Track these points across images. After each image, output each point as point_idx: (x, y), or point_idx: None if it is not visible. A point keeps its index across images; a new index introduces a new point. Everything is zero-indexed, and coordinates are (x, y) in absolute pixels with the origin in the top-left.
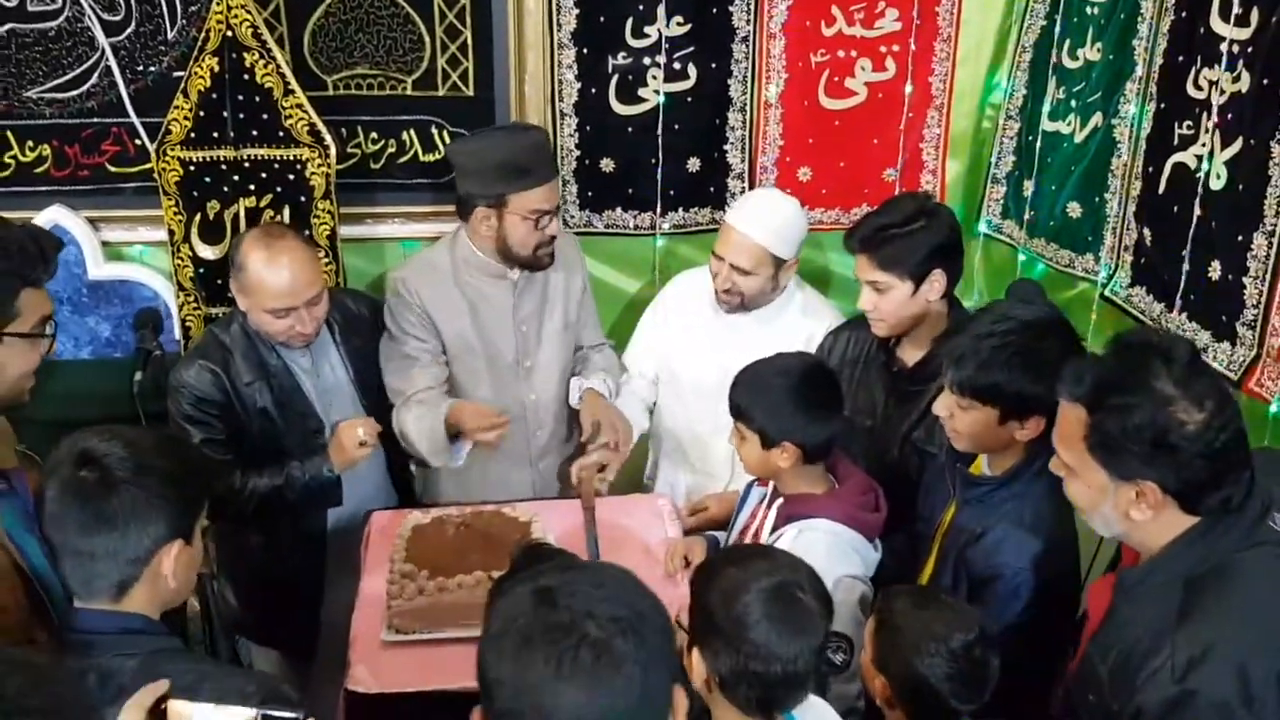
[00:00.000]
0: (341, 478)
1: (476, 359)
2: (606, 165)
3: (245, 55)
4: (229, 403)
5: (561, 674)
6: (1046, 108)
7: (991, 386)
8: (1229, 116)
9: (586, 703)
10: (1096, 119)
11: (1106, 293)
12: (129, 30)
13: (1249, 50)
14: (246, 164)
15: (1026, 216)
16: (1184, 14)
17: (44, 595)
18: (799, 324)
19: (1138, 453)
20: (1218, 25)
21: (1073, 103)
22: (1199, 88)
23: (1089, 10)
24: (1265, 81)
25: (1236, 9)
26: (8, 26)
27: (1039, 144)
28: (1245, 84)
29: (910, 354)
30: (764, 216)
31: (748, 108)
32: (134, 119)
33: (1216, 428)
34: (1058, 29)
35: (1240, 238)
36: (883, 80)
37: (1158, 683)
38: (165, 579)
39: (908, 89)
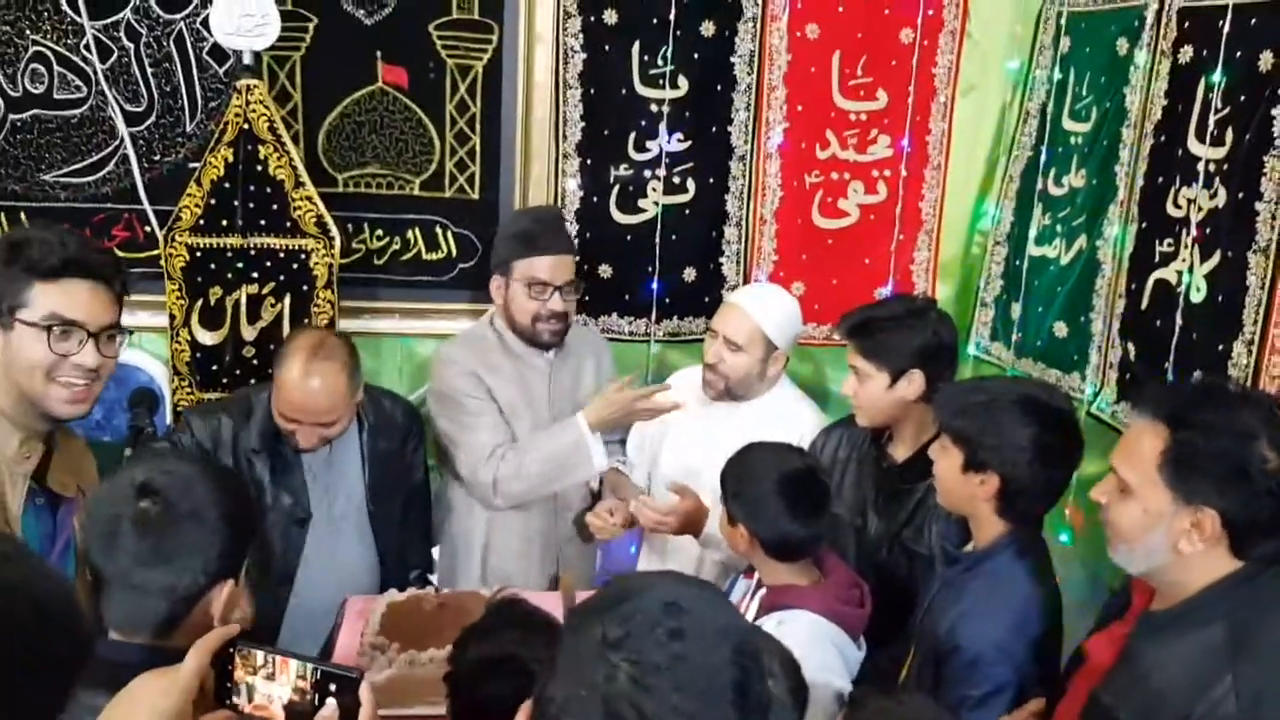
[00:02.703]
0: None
1: (524, 427)
2: (605, 271)
3: (260, 148)
4: (221, 457)
5: None
6: (1033, 233)
7: (959, 426)
8: (1207, 231)
9: None
10: (1081, 242)
11: (1092, 410)
12: (149, 121)
13: (1224, 168)
14: (252, 252)
15: (1014, 338)
16: (1163, 138)
17: None
18: (784, 420)
19: (1213, 477)
20: (1195, 146)
21: (1058, 227)
22: (1178, 206)
23: (1073, 140)
24: (1241, 195)
25: (1212, 129)
26: (32, 112)
27: (1025, 268)
28: (1221, 199)
29: (900, 451)
30: (762, 299)
31: (743, 222)
32: (146, 206)
33: None
34: (1043, 158)
35: (1221, 347)
36: (875, 203)
37: (1221, 714)
38: (211, 619)
39: (899, 212)
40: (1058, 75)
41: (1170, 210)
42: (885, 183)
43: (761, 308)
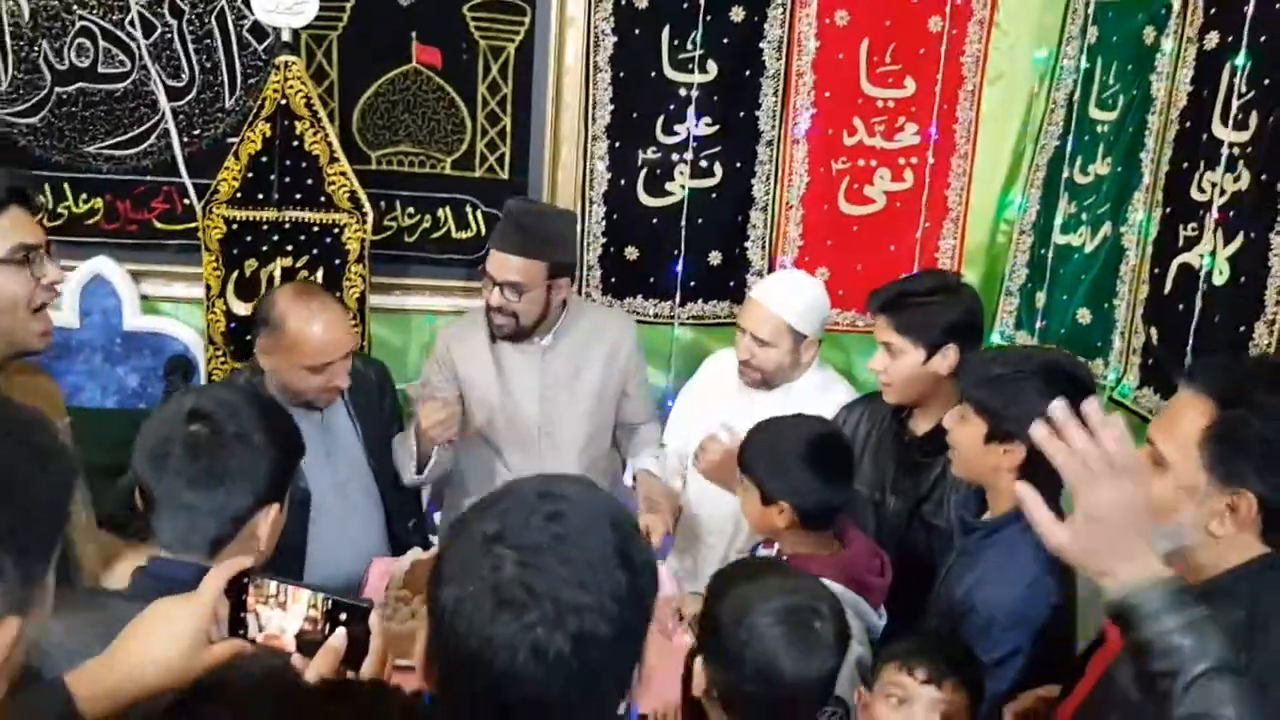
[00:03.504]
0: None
1: (498, 422)
2: (631, 253)
3: (297, 123)
4: None
5: None
6: (1059, 221)
7: (981, 396)
8: (1230, 214)
9: None
10: (1106, 229)
11: (1115, 395)
12: (190, 96)
13: (1248, 151)
14: (287, 225)
15: (1038, 325)
16: (1188, 123)
17: None
18: (817, 401)
19: (1257, 458)
20: (1219, 130)
21: (1083, 215)
22: (1202, 190)
23: (1099, 128)
24: (1264, 177)
25: (1236, 113)
26: (77, 85)
27: (1051, 257)
28: (1245, 182)
29: (921, 425)
30: (785, 291)
31: (769, 207)
32: (185, 179)
33: None
34: (1070, 146)
35: (1242, 329)
36: (901, 190)
37: None
38: (258, 541)
39: (924, 200)
40: (1085, 64)
41: (1194, 195)
42: (912, 170)
43: (783, 299)
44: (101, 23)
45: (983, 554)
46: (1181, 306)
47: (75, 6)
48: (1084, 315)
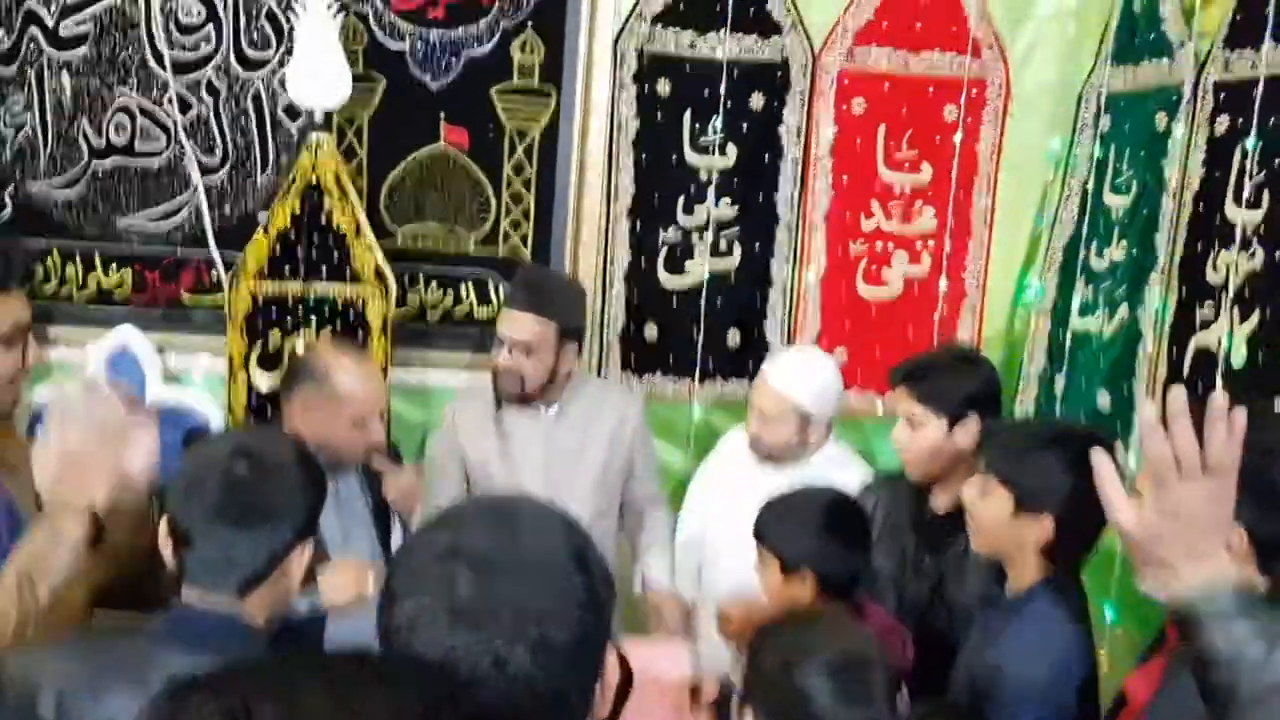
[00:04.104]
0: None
1: (503, 482)
2: (650, 332)
3: (325, 199)
4: None
5: None
6: (1076, 306)
7: (1007, 468)
8: (1245, 293)
9: None
10: (1123, 312)
11: (1138, 486)
12: (222, 172)
13: (1261, 230)
14: (311, 299)
15: (1058, 409)
16: (1201, 206)
17: None
18: (833, 477)
19: (1243, 491)
20: (1232, 211)
21: (1100, 299)
22: (1217, 271)
23: (1114, 213)
24: (1278, 255)
25: (1249, 193)
26: (114, 160)
27: (1069, 341)
28: (1259, 261)
29: (941, 502)
30: (792, 370)
31: (788, 288)
32: (214, 252)
33: None
34: (1085, 231)
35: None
36: (918, 274)
37: None
38: (289, 579)
39: (942, 284)
40: (1098, 152)
41: (1209, 276)
42: (929, 254)
43: (791, 379)
44: (141, 101)
45: (1006, 628)
46: (1201, 388)
47: (116, 85)
48: (1103, 400)
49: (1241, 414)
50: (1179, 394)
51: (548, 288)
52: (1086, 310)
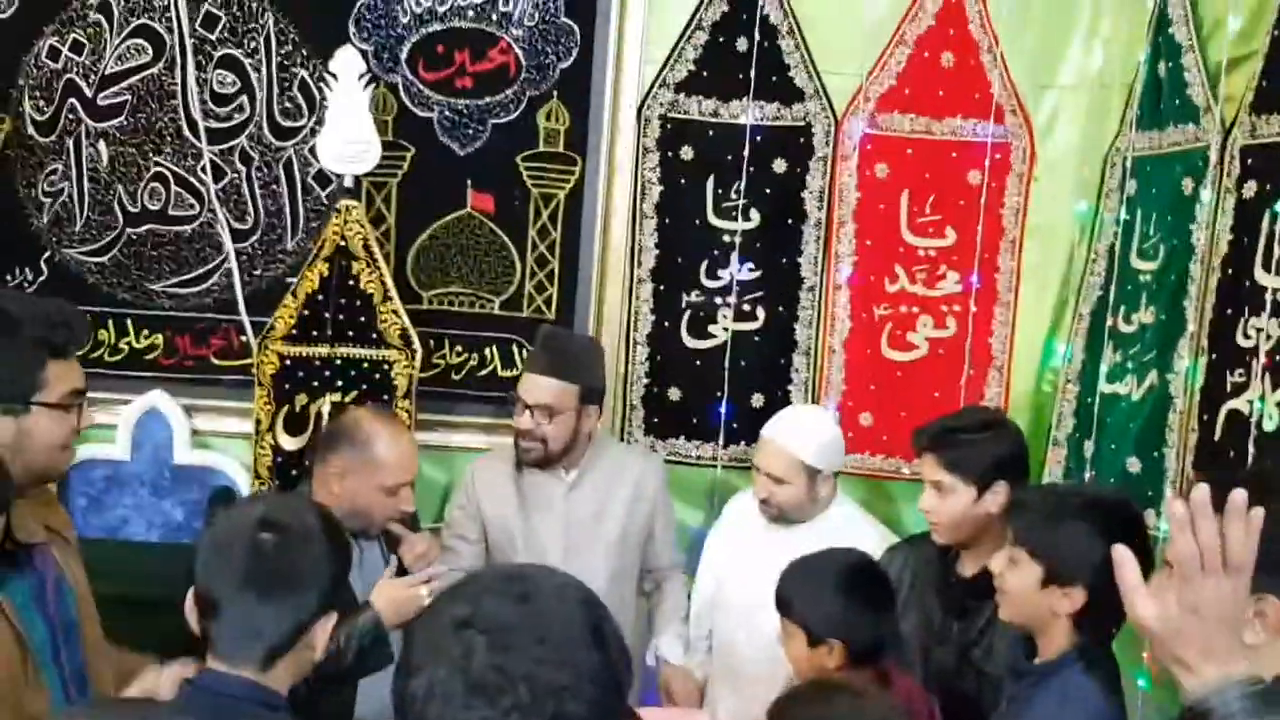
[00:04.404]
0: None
1: (518, 558)
2: (674, 394)
3: (353, 263)
4: None
5: None
6: (1104, 370)
7: (1038, 540)
8: (1277, 359)
9: None
10: (1152, 377)
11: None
12: (254, 237)
13: None
14: (339, 361)
15: (1087, 476)
16: (1230, 271)
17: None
18: (845, 536)
19: (1273, 562)
20: (1261, 276)
21: (1129, 364)
22: (1248, 336)
23: (1142, 277)
24: None
25: (1278, 259)
26: (148, 226)
27: (1098, 406)
28: None
29: (969, 567)
30: (794, 426)
31: (812, 351)
32: (244, 316)
33: None
34: (1112, 296)
35: None
36: (944, 337)
37: None
38: (313, 651)
39: (968, 348)
40: (1125, 216)
41: (1240, 341)
42: (954, 318)
43: (793, 436)
44: (175, 169)
45: (1035, 699)
46: (1233, 454)
47: (151, 154)
48: (1133, 464)
49: (1259, 514)
50: (1203, 490)
51: (569, 351)
52: (1115, 375)
